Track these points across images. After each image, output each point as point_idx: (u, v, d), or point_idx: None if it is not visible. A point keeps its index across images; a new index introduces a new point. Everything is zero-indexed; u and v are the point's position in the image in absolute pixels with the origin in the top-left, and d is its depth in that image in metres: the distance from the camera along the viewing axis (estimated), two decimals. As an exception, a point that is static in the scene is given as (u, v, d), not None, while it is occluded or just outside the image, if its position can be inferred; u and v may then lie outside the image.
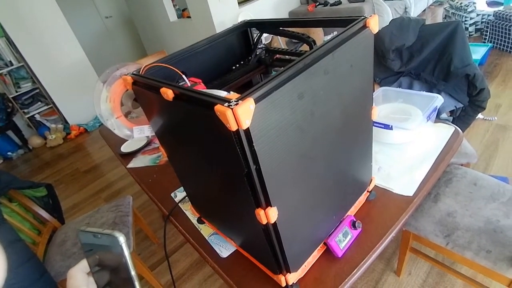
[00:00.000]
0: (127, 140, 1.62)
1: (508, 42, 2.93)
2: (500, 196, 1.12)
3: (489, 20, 3.13)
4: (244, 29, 0.89)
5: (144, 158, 1.46)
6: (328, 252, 0.78)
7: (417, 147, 1.06)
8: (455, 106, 1.55)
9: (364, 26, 0.61)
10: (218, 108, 0.42)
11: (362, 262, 0.75)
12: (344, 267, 0.75)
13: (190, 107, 0.50)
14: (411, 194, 0.89)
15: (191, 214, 1.04)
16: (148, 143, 1.55)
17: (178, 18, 4.22)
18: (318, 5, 4.16)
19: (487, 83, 1.51)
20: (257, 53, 0.87)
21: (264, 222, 0.54)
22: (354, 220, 0.80)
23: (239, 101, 0.41)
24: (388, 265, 1.49)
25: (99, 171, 3.10)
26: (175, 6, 4.25)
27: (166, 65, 0.68)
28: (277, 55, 0.87)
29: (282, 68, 0.47)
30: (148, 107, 0.70)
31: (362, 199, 0.88)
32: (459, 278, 1.22)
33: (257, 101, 0.43)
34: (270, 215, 0.53)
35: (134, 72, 0.68)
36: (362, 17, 0.61)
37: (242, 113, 0.41)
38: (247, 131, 0.43)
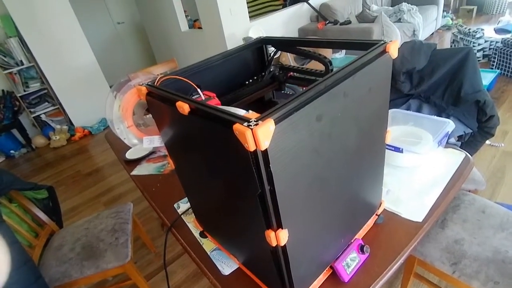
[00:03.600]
0: (133, 147, 1.62)
1: (516, 69, 2.94)
2: (509, 226, 1.09)
3: (497, 47, 3.16)
4: (260, 46, 0.89)
5: (148, 166, 1.45)
6: (334, 276, 0.76)
7: (427, 171, 1.04)
8: (464, 131, 1.54)
9: (384, 51, 0.60)
10: (237, 127, 0.41)
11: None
12: (349, 293, 0.73)
13: (206, 123, 0.50)
14: (420, 220, 0.87)
15: (194, 227, 1.02)
16: (153, 152, 1.54)
17: (189, 28, 4.29)
18: (328, 23, 4.21)
19: (496, 110, 1.50)
20: (271, 70, 0.87)
21: (274, 244, 0.53)
22: (363, 244, 0.78)
23: (259, 121, 0.41)
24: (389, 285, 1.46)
25: (101, 174, 3.09)
26: (187, 16, 4.32)
27: (181, 77, 0.68)
28: (291, 73, 0.87)
29: (304, 88, 0.47)
30: (161, 118, 0.69)
31: (370, 222, 0.86)
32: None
33: (276, 122, 0.42)
34: (280, 237, 0.52)
35: (149, 83, 0.68)
36: (382, 42, 0.61)
37: (261, 134, 0.40)
38: (264, 152, 0.43)
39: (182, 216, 1.08)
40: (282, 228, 0.52)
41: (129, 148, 1.61)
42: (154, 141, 0.74)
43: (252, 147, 0.41)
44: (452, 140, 1.56)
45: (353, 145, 0.61)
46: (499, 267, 0.98)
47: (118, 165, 3.11)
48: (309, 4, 4.44)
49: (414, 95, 1.62)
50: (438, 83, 1.54)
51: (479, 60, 3.52)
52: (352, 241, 0.79)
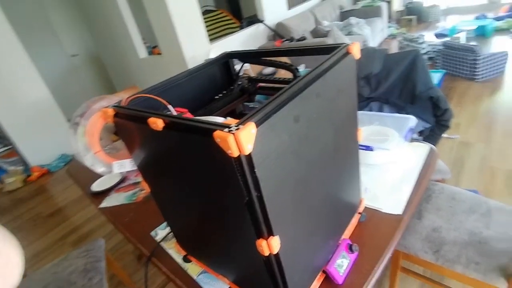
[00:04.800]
0: (98, 179, 1.53)
1: (458, 68, 3.23)
2: (478, 208, 1.16)
3: (439, 49, 3.47)
4: (225, 60, 0.90)
5: (118, 196, 1.37)
6: (327, 280, 0.75)
7: (398, 166, 1.09)
8: (424, 127, 1.64)
9: (347, 53, 0.63)
10: (218, 134, 0.40)
11: (364, 287, 0.73)
12: (345, 295, 0.72)
13: (183, 135, 0.48)
14: (400, 212, 0.90)
15: (176, 253, 0.96)
16: (123, 180, 1.47)
17: (148, 55, 4.24)
18: (284, 40, 4.39)
19: (449, 104, 1.63)
20: (240, 83, 0.87)
21: (267, 253, 0.51)
22: (351, 243, 0.78)
23: (240, 125, 0.40)
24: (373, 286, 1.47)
25: (64, 214, 2.87)
26: (145, 43, 4.28)
27: (150, 95, 0.66)
28: (260, 84, 0.88)
29: (279, 92, 0.47)
30: (131, 139, 0.66)
31: (354, 221, 0.87)
32: (450, 293, 1.22)
33: (257, 124, 0.42)
34: (273, 245, 0.50)
35: (116, 104, 0.65)
36: (345, 44, 0.64)
37: (244, 138, 0.39)
38: (249, 157, 0.42)
39: (161, 243, 1.02)
40: (273, 235, 0.50)
41: (95, 180, 1.52)
42: (125, 165, 0.70)
43: (235, 153, 0.40)
44: (415, 135, 1.65)
45: (329, 145, 0.62)
46: (477, 248, 1.03)
47: (83, 202, 2.91)
48: (265, 24, 4.61)
49: (374, 98, 1.71)
50: (394, 85, 1.65)
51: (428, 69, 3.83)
52: (340, 241, 0.79)
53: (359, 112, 1.30)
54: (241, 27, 4.60)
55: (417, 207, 1.23)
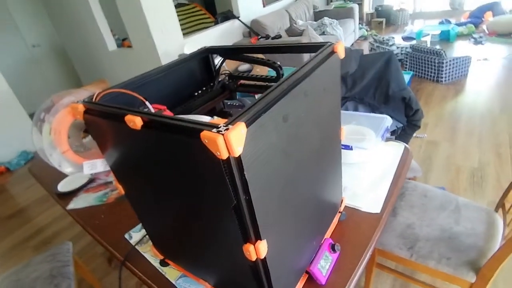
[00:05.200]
0: (64, 178, 1.43)
1: (425, 70, 3.39)
2: (448, 204, 1.22)
3: (407, 52, 3.61)
4: (205, 55, 0.86)
5: (87, 196, 1.29)
6: (310, 281, 0.75)
7: (375, 165, 1.11)
8: (396, 126, 1.70)
9: (333, 51, 0.62)
10: (205, 134, 0.37)
11: (346, 286, 0.73)
12: (328, 295, 0.72)
13: (165, 135, 0.45)
14: (378, 211, 0.92)
15: (152, 256, 0.92)
16: (92, 180, 1.38)
17: (118, 47, 4.05)
18: (260, 38, 4.37)
19: (419, 105, 1.69)
20: (220, 79, 0.84)
21: (254, 258, 0.49)
22: (333, 243, 0.78)
23: (229, 125, 0.37)
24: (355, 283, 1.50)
25: (26, 215, 2.67)
26: (114, 35, 4.08)
27: (125, 90, 0.61)
28: (242, 81, 0.85)
29: (268, 90, 0.45)
30: (104, 138, 0.61)
31: (335, 220, 0.88)
32: (421, 286, 1.27)
33: (247, 125, 0.39)
34: (260, 249, 0.48)
35: (87, 100, 0.59)
36: (330, 43, 0.63)
37: (234, 139, 0.37)
38: (238, 159, 0.39)
39: (136, 246, 0.97)
40: (261, 240, 0.48)
41: (61, 179, 1.42)
42: (97, 165, 0.65)
43: (225, 155, 0.37)
44: (388, 135, 1.70)
45: (316, 144, 0.61)
46: (448, 244, 1.07)
47: (47, 202, 2.73)
48: (240, 20, 4.56)
49: (349, 98, 1.74)
50: (369, 85, 1.68)
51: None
52: (322, 241, 0.78)
53: (337, 111, 1.32)
54: (216, 23, 4.52)
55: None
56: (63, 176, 1.44)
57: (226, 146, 0.37)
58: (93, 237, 1.10)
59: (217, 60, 0.84)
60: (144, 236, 0.99)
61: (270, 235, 0.50)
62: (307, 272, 0.74)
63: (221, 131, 0.37)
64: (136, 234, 1.02)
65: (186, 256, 0.75)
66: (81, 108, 0.59)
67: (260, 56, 0.84)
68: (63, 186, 1.39)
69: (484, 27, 4.67)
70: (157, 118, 0.45)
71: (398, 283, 1.47)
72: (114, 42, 4.01)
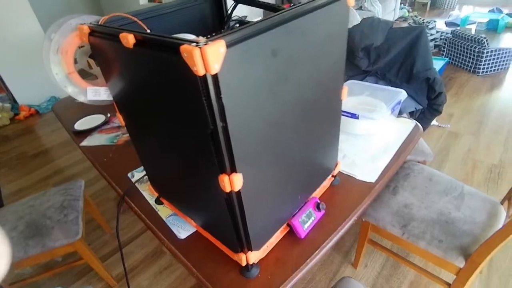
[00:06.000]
0: (82, 118, 1.50)
1: (463, 59, 3.17)
2: (453, 191, 1.18)
3: (447, 37, 3.38)
4: (218, -1, 0.85)
5: (100, 136, 1.35)
6: (291, 234, 0.77)
7: (380, 138, 1.08)
8: (415, 108, 1.63)
9: (342, -3, 0.59)
10: (184, 48, 0.37)
11: (324, 244, 0.74)
12: (306, 248, 0.74)
13: (153, 54, 0.45)
14: (373, 180, 0.91)
15: (149, 195, 0.97)
16: (107, 122, 1.44)
17: (148, 1, 4.04)
18: (293, 5, 4.21)
19: (444, 88, 1.60)
20: (230, 25, 0.83)
21: (228, 189, 0.51)
22: (319, 202, 0.79)
23: (209, 42, 0.38)
24: (346, 258, 1.52)
25: (49, 156, 2.85)
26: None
27: (129, 15, 0.62)
28: (251, 30, 0.84)
29: (260, 19, 0.44)
30: (106, 62, 0.63)
31: (326, 183, 0.88)
32: (411, 268, 1.27)
33: (228, 45, 0.39)
34: (234, 181, 0.50)
35: (93, 22, 0.61)
36: (340, -11, 0.60)
37: (211, 54, 0.37)
38: (215, 78, 0.40)
39: (137, 184, 1.02)
40: (236, 172, 0.50)
41: (79, 119, 1.49)
42: (100, 92, 0.68)
43: (201, 70, 0.38)
44: (405, 115, 1.64)
45: (310, 93, 0.60)
46: (443, 227, 1.05)
47: (69, 145, 2.89)
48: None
49: (371, 72, 1.67)
50: (394, 61, 1.61)
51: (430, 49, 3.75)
52: (309, 199, 0.79)
53: (351, 81, 1.28)
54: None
55: (394, 183, 1.24)
56: (82, 116, 1.51)
57: (203, 61, 0.37)
58: (99, 173, 1.17)
59: (230, 4, 0.83)
60: (144, 175, 1.04)
61: (247, 171, 0.51)
62: (288, 225, 0.75)
63: (199, 45, 0.37)
64: (138, 174, 1.08)
65: (175, 194, 0.79)
66: (86, 29, 0.60)
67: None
68: (80, 125, 1.46)
69: (539, 20, 4.25)
70: (147, 36, 0.45)
71: (389, 263, 1.47)
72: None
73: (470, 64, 3.12)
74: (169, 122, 0.55)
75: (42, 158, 2.83)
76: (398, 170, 1.31)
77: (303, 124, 0.63)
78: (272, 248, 0.75)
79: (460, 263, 0.99)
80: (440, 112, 1.66)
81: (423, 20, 3.81)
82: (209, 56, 0.37)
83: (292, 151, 0.64)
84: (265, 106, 0.50)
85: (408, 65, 1.56)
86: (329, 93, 0.68)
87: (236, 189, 0.51)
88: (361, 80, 1.67)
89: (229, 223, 0.60)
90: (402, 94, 1.11)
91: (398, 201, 1.17)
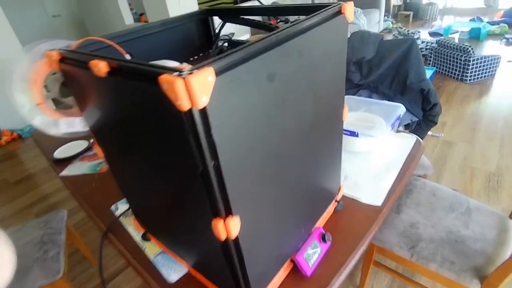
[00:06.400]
0: (64, 145, 1.41)
1: (449, 67, 3.21)
2: (458, 206, 1.13)
3: (432, 47, 3.42)
4: (204, 17, 0.79)
5: (82, 165, 1.26)
6: (295, 270, 0.69)
7: (381, 156, 1.03)
8: (411, 120, 1.59)
9: (340, 12, 0.54)
10: (164, 78, 0.31)
11: (333, 280, 0.66)
12: (313, 287, 0.66)
13: (130, 83, 0.38)
14: (379, 204, 0.84)
15: (135, 230, 0.88)
16: (89, 148, 1.35)
17: (134, 21, 4.01)
18: (279, 21, 4.24)
19: (438, 99, 1.57)
20: (219, 45, 0.77)
21: (223, 236, 0.43)
22: (324, 232, 0.72)
23: (194, 70, 0.31)
24: (350, 280, 1.44)
25: (32, 182, 2.71)
26: (132, 10, 4.04)
27: (104, 39, 0.55)
28: (241, 48, 0.78)
29: (252, 41, 0.38)
30: (80, 91, 0.56)
31: (330, 209, 0.81)
32: (419, 290, 1.20)
33: (218, 73, 0.33)
34: (231, 227, 0.42)
35: (64, 48, 0.54)
36: (337, 3, 0.55)
37: (197, 85, 0.30)
38: (203, 112, 0.33)
39: (121, 218, 0.93)
40: (232, 215, 0.42)
41: (61, 145, 1.40)
42: (75, 124, 0.60)
43: (186, 105, 0.31)
44: (401, 128, 1.60)
45: (310, 116, 0.54)
46: (453, 247, 0.99)
47: (53, 171, 2.75)
48: (260, 2, 4.43)
49: (364, 86, 1.64)
50: (386, 73, 1.58)
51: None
52: (312, 230, 0.72)
53: (347, 97, 1.23)
54: (235, 3, 4.41)
55: (397, 201, 1.18)
56: (63, 142, 1.42)
57: (188, 94, 0.30)
58: (81, 206, 1.07)
59: (218, 24, 0.77)
60: (129, 208, 0.95)
61: (245, 211, 0.44)
62: (292, 261, 0.68)
63: (183, 75, 0.30)
64: (122, 206, 0.99)
65: (165, 229, 0.70)
66: (56, 56, 0.53)
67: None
68: (60, 152, 1.37)
69: (518, 27, 4.38)
70: (121, 63, 0.38)
71: (396, 284, 1.40)
72: (131, 16, 3.97)
73: (457, 73, 3.15)
74: (152, 159, 0.48)
75: (24, 184, 2.69)
76: (399, 187, 1.25)
77: (303, 151, 0.57)
78: (276, 289, 0.67)
79: (475, 286, 0.93)
80: (436, 123, 1.63)
81: (408, 31, 3.87)
82: (195, 88, 0.30)
83: (293, 181, 0.57)
84: (261, 137, 0.44)
85: (401, 77, 1.53)
86: (330, 114, 0.62)
87: (233, 235, 0.43)
88: (354, 94, 1.63)
89: (225, 269, 0.52)
90: (401, 109, 1.06)
91: (403, 220, 1.11)
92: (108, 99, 0.48)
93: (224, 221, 0.42)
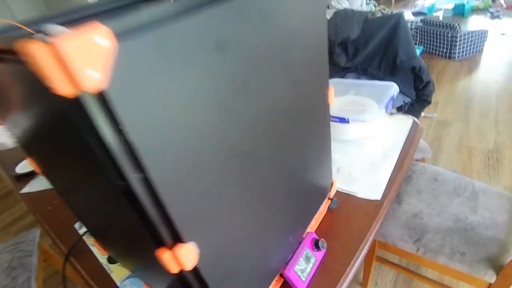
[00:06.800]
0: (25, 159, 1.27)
1: (437, 45, 3.12)
2: (463, 190, 1.03)
3: (418, 26, 3.33)
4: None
5: (45, 180, 1.12)
6: (287, 285, 0.58)
7: (376, 142, 0.92)
8: (403, 101, 1.49)
9: (314, -36, 0.42)
10: (22, 46, 0.18)
11: (331, 296, 0.56)
12: (308, 306, 0.55)
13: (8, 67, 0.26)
14: (379, 197, 0.73)
15: (99, 252, 0.76)
16: (54, 160, 1.21)
17: None
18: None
19: (431, 76, 1.48)
20: None
21: (175, 270, 0.31)
22: (317, 238, 0.60)
23: (70, 30, 0.19)
24: (353, 277, 1.34)
25: (12, 199, 2.55)
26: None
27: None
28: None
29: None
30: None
31: (323, 209, 0.70)
32: (426, 283, 1.11)
33: (121, 35, 0.21)
34: (183, 256, 0.30)
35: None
36: (310, -47, 0.43)
37: (75, 53, 0.18)
38: (101, 98, 0.21)
39: (86, 237, 0.81)
40: (183, 242, 0.30)
41: (21, 160, 1.26)
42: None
43: (62, 86, 0.19)
44: (393, 111, 1.50)
45: (285, 102, 0.42)
46: (462, 236, 0.89)
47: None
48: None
49: (351, 68, 1.53)
50: (374, 53, 1.47)
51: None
52: (303, 236, 0.61)
53: (332, 80, 1.12)
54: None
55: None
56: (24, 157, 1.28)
57: (63, 68, 0.18)
58: (41, 226, 0.94)
59: None
60: (94, 225, 0.83)
61: (204, 233, 0.33)
62: (282, 276, 0.56)
63: (46, 39, 0.18)
64: (88, 223, 0.86)
65: (121, 254, 0.58)
66: None
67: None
68: (22, 167, 1.23)
69: (501, 0, 4.32)
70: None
71: (401, 277, 1.30)
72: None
73: (445, 50, 3.07)
74: (73, 174, 0.35)
75: (3, 203, 2.53)
76: (397, 174, 1.15)
77: (280, 145, 0.45)
78: (264, 311, 0.55)
79: (491, 277, 0.83)
80: (430, 102, 1.53)
81: (391, 11, 3.77)
82: (71, 57, 0.18)
83: (270, 184, 0.45)
84: (216, 131, 0.32)
85: (390, 56, 1.42)
86: (312, 98, 0.51)
87: (189, 267, 0.32)
88: (342, 77, 1.52)
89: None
90: (394, 88, 0.95)
91: (405, 211, 1.01)
92: (17, 95, 0.35)
93: (171, 251, 0.30)
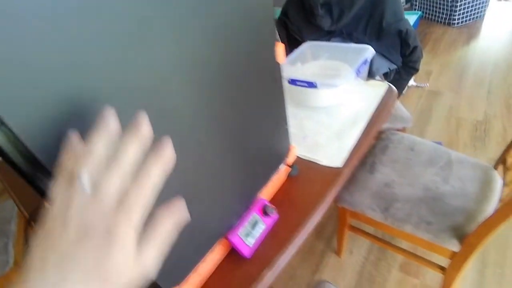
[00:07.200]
0: None
1: (435, 11, 2.98)
2: (438, 159, 1.01)
3: (417, -10, 3.15)
4: None
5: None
6: (235, 251, 0.57)
7: (347, 109, 0.88)
8: (389, 68, 1.43)
9: None
10: None
11: (275, 258, 0.55)
12: (251, 269, 0.54)
13: None
14: (340, 164, 0.71)
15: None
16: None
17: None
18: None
19: (419, 41, 1.40)
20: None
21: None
22: (267, 204, 0.59)
23: None
24: (329, 246, 1.36)
25: None
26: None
27: None
28: None
29: None
30: None
31: (282, 176, 0.68)
32: (399, 253, 1.12)
33: None
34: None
35: None
36: None
37: None
38: None
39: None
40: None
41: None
42: None
43: None
44: (378, 78, 1.44)
45: (204, 52, 0.38)
46: (430, 205, 0.88)
47: None
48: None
49: (336, 32, 1.45)
50: (360, 16, 1.39)
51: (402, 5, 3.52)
52: (254, 203, 0.59)
53: (307, 44, 1.05)
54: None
55: (371, 159, 1.06)
56: None
57: None
58: (4, 187, 0.93)
59: None
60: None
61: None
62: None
63: None
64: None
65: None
66: None
67: None
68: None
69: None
70: None
71: (375, 247, 1.32)
72: None
73: (444, 16, 2.92)
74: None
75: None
76: (374, 143, 1.12)
77: (214, 104, 0.42)
78: (211, 276, 0.55)
79: (454, 246, 0.83)
80: (417, 70, 1.47)
81: (392, -25, 3.56)
82: None
83: (208, 144, 0.42)
84: (120, 79, 0.28)
85: (377, 18, 1.34)
86: (251, 54, 0.46)
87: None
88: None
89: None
90: (369, 51, 0.90)
91: (377, 180, 0.99)
92: None
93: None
